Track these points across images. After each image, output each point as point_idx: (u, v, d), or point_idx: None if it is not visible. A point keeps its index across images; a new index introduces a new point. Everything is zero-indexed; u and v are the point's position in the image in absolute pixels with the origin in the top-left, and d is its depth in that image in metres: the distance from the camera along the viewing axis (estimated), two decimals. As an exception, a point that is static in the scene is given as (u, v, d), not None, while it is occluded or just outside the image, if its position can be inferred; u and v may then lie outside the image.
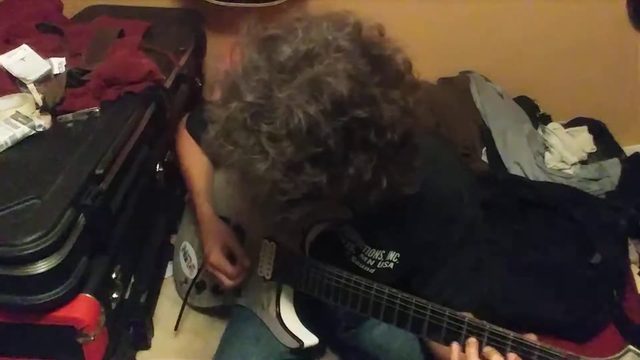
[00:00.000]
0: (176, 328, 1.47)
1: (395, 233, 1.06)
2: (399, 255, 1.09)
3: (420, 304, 0.93)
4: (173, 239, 1.73)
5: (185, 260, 1.47)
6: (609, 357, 0.79)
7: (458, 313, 0.90)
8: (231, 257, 1.19)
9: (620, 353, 0.78)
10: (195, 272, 1.41)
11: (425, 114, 2.00)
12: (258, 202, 0.81)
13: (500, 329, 0.86)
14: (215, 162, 1.30)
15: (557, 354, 0.82)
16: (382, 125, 0.75)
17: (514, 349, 0.84)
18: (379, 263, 1.10)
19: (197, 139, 1.28)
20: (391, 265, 1.09)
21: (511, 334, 0.85)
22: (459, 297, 1.03)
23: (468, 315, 0.91)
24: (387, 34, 0.83)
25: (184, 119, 1.37)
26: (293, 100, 0.72)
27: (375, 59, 0.77)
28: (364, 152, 0.76)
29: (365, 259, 1.11)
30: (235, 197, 1.24)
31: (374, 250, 1.10)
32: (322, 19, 0.80)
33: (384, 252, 1.09)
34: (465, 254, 1.05)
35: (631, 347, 0.78)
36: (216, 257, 1.18)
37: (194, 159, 1.31)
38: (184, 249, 1.49)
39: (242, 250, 1.19)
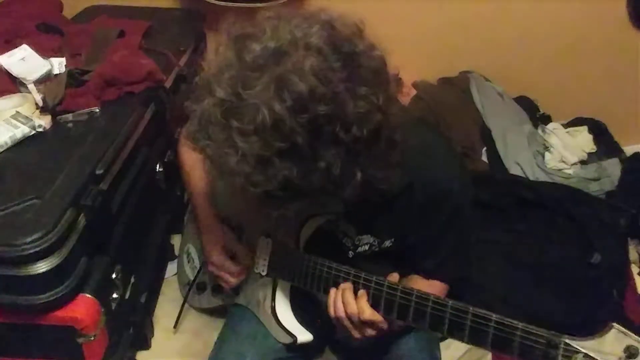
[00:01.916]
0: (175, 326, 1.47)
1: (389, 223, 1.09)
2: (393, 240, 1.12)
3: (406, 291, 0.95)
4: (173, 239, 1.73)
5: (189, 262, 1.47)
6: (594, 336, 0.80)
7: (441, 298, 0.93)
8: (231, 257, 1.21)
9: (604, 330, 0.79)
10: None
11: (424, 112, 2.01)
12: (238, 193, 0.83)
13: (484, 312, 0.88)
14: None
15: (540, 334, 0.83)
16: (347, 121, 0.76)
17: (496, 330, 0.86)
18: (373, 247, 1.13)
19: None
20: (385, 248, 1.13)
21: (493, 316, 0.87)
22: (438, 271, 1.12)
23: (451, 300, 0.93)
24: (365, 30, 0.83)
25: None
26: (260, 97, 0.74)
27: (345, 56, 0.78)
28: (332, 147, 0.77)
29: (361, 249, 1.13)
30: (234, 197, 1.25)
31: (368, 236, 1.12)
32: (293, 16, 0.81)
33: (379, 240, 1.12)
34: (449, 236, 1.09)
35: (614, 324, 0.78)
36: (218, 257, 1.21)
37: (194, 164, 1.31)
38: (187, 251, 1.49)
39: (241, 248, 1.21)
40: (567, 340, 0.81)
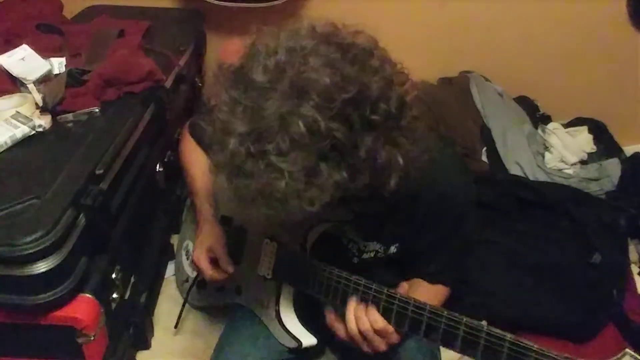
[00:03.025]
0: (176, 326, 1.47)
1: (394, 229, 1.09)
2: (397, 245, 1.12)
3: (419, 304, 0.94)
4: (173, 239, 1.73)
5: (188, 259, 1.47)
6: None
7: (455, 315, 0.92)
8: (216, 261, 1.20)
9: (617, 356, 0.79)
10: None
11: (424, 113, 2.01)
12: (291, 222, 0.82)
13: (498, 331, 0.87)
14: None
15: (554, 356, 0.82)
16: (373, 99, 0.78)
17: (510, 350, 0.85)
18: (379, 254, 1.13)
19: (200, 142, 1.29)
20: (391, 254, 1.13)
21: (508, 336, 0.86)
22: (441, 275, 1.14)
23: (465, 317, 0.92)
24: (340, 25, 0.85)
25: (188, 123, 1.38)
26: (282, 109, 0.74)
27: (338, 45, 0.80)
28: (369, 131, 0.78)
29: (367, 256, 1.13)
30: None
31: (374, 242, 1.12)
32: (278, 31, 0.82)
33: (384, 247, 1.12)
34: (453, 241, 1.10)
35: (628, 350, 0.78)
36: (198, 255, 1.19)
37: (195, 161, 1.31)
38: (186, 247, 1.49)
39: (225, 257, 1.18)
40: None
